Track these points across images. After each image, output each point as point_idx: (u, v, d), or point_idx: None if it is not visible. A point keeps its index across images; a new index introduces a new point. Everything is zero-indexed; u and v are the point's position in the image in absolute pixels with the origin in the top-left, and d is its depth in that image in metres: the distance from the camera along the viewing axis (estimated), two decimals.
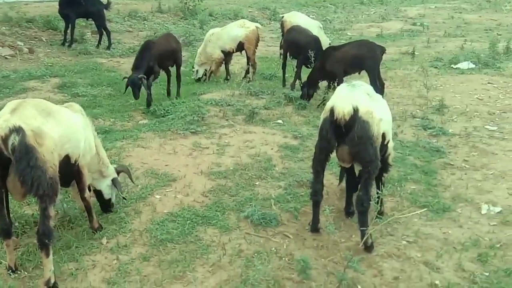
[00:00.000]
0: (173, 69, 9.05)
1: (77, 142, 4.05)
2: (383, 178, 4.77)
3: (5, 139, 3.39)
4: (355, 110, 4.00)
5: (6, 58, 10.95)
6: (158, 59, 8.37)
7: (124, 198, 5.03)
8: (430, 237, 4.59)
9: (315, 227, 4.66)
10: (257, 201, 5.18)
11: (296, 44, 9.19)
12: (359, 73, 8.57)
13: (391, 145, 4.65)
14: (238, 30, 10.08)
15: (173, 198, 5.19)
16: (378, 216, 4.59)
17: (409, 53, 12.94)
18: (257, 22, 19.17)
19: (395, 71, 11.16)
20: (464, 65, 11.41)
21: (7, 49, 11.30)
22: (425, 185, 5.62)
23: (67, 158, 3.92)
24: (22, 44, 11.88)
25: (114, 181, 4.76)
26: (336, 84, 7.85)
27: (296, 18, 11.68)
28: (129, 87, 7.96)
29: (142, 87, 8.00)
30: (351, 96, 4.16)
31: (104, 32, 13.03)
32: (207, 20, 17.36)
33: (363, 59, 8.11)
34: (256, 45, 10.25)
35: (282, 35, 12.28)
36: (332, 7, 25.91)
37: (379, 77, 8.23)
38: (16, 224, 4.46)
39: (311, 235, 4.63)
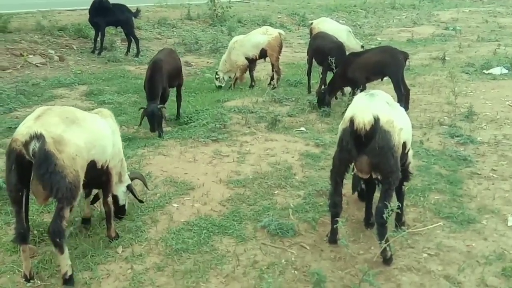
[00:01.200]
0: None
1: (103, 148, 4.15)
2: (403, 187, 4.64)
3: (26, 145, 3.51)
4: (376, 120, 3.87)
5: (37, 66, 11.21)
6: (168, 79, 7.83)
7: (140, 201, 5.04)
8: (453, 250, 4.42)
9: (333, 239, 4.55)
10: (275, 211, 5.10)
11: (321, 51, 9.10)
12: (381, 80, 8.43)
13: (410, 153, 4.53)
14: (261, 37, 10.07)
15: (191, 207, 5.17)
16: (399, 227, 4.51)
17: (440, 58, 12.67)
18: (285, 28, 19.31)
19: (424, 76, 10.93)
20: (496, 70, 11.09)
21: (38, 57, 11.57)
22: (450, 195, 5.44)
23: (93, 163, 4.03)
24: (53, 52, 12.14)
25: (129, 187, 4.81)
26: (359, 91, 7.70)
27: (325, 24, 11.61)
28: (144, 118, 7.30)
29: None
30: (371, 105, 4.05)
31: (133, 40, 13.22)
32: (235, 26, 17.41)
33: (386, 66, 7.99)
34: (279, 52, 10.22)
35: None
36: (362, 12, 25.65)
37: (404, 84, 8.07)
38: (35, 232, 4.51)
39: (329, 246, 4.53)
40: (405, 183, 4.67)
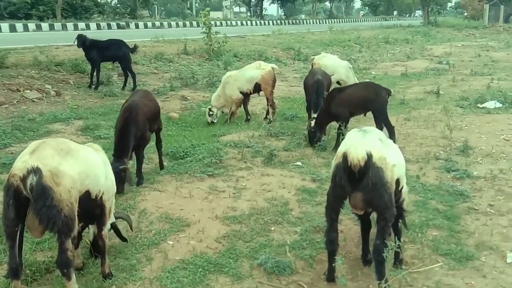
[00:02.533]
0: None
1: (97, 178, 4.15)
2: (398, 224, 4.59)
3: (24, 180, 3.53)
4: (369, 156, 3.88)
5: (33, 101, 11.24)
6: (149, 124, 6.83)
7: (125, 239, 4.95)
8: None
9: (331, 277, 4.47)
10: (271, 248, 5.03)
11: (304, 87, 9.38)
12: (364, 115, 8.52)
13: (405, 190, 4.50)
14: (254, 71, 10.18)
15: (186, 244, 5.10)
16: (398, 265, 4.45)
17: (434, 92, 12.80)
18: (281, 62, 19.57)
19: (419, 111, 11.01)
20: (490, 104, 11.21)
21: (35, 92, 11.60)
22: (448, 231, 5.38)
23: (87, 193, 4.03)
24: (50, 87, 12.19)
25: (112, 225, 4.75)
26: (343, 126, 7.79)
27: (325, 60, 11.79)
28: None
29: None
30: (363, 141, 4.04)
31: (130, 75, 13.33)
32: (231, 61, 17.62)
33: (369, 101, 8.14)
34: (273, 86, 10.31)
35: None
36: (357, 47, 26.10)
37: (387, 120, 8.16)
38: (27, 271, 4.42)
39: (327, 285, 4.45)
40: (400, 221, 4.63)
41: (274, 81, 10.35)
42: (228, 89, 10.19)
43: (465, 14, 56.64)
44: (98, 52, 12.77)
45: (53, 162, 3.67)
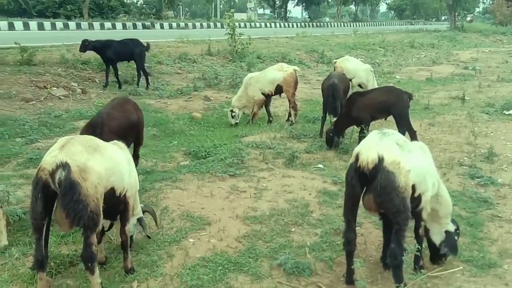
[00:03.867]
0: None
1: (122, 175, 4.24)
2: (420, 231, 4.55)
3: (53, 174, 3.64)
4: (380, 159, 3.90)
5: (60, 98, 11.46)
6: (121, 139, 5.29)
7: (148, 236, 5.02)
8: None
9: (350, 279, 4.47)
10: (291, 249, 5.05)
11: (322, 90, 9.37)
12: (385, 119, 8.47)
13: (426, 199, 4.37)
14: (276, 73, 10.21)
15: (207, 242, 5.14)
16: (418, 270, 4.42)
17: (459, 98, 12.62)
18: (304, 64, 19.56)
19: (444, 116, 10.88)
20: None
21: (62, 90, 11.83)
22: (470, 238, 5.32)
23: (112, 190, 4.12)
24: (76, 85, 12.41)
25: (140, 220, 4.84)
26: (365, 130, 7.83)
27: (347, 63, 11.78)
28: None
29: None
30: (378, 144, 4.06)
31: (142, 74, 13.43)
32: (254, 62, 17.65)
33: (390, 106, 8.12)
34: (295, 88, 10.34)
35: None
36: (381, 50, 25.90)
37: (409, 125, 8.10)
38: (51, 264, 4.51)
39: (346, 287, 4.44)
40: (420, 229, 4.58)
41: (296, 83, 10.38)
42: (250, 90, 10.24)
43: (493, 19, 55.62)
44: (116, 51, 12.86)
45: (81, 158, 3.77)
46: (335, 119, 8.66)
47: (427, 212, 4.47)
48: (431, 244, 4.80)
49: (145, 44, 13.40)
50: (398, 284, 3.95)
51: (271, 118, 10.66)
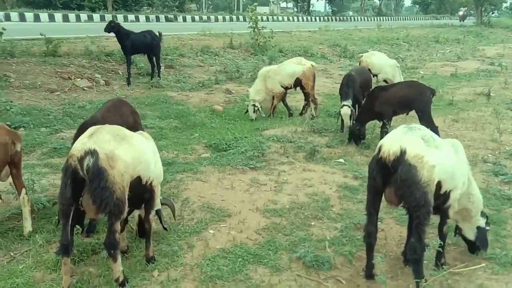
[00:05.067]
0: None
1: (148, 165, 4.32)
2: (444, 228, 4.50)
3: (81, 160, 3.73)
4: (402, 152, 3.88)
5: (84, 89, 11.61)
6: None
7: (165, 228, 5.06)
8: None
9: (369, 273, 4.45)
10: (311, 242, 5.04)
11: None
12: (407, 114, 8.39)
13: (454, 197, 4.31)
14: (296, 66, 10.26)
15: (227, 234, 5.17)
16: (440, 266, 4.38)
17: (485, 94, 12.43)
18: (326, 59, 19.48)
19: (468, 112, 10.73)
20: None
21: (85, 81, 11.99)
22: (493, 235, 5.24)
23: (138, 179, 4.20)
24: (100, 77, 12.56)
25: (157, 212, 4.88)
26: (388, 125, 7.89)
27: (372, 58, 11.75)
28: None
29: None
30: (402, 137, 4.03)
31: (156, 65, 13.29)
32: (276, 56, 17.62)
33: (413, 101, 8.06)
34: (314, 81, 10.36)
35: None
36: (405, 45, 25.61)
37: (431, 120, 7.99)
38: (74, 251, 4.59)
39: (366, 281, 4.42)
40: (444, 227, 4.53)
41: (314, 77, 10.44)
42: (269, 83, 10.25)
43: None
44: (132, 43, 12.68)
45: (109, 146, 3.85)
46: (344, 102, 8.71)
47: (454, 210, 4.42)
48: (466, 240, 4.83)
49: (158, 35, 13.23)
50: (418, 279, 3.92)
51: (291, 111, 10.68)
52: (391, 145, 3.96)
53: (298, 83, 10.27)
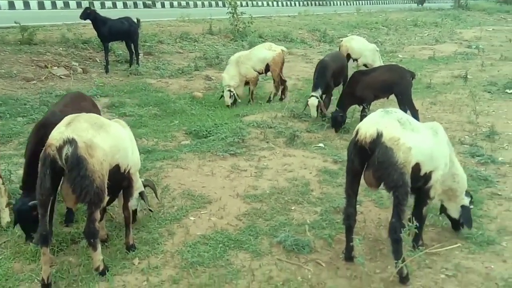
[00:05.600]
0: None
1: (126, 153, 4.33)
2: (424, 209, 4.58)
3: (60, 150, 3.72)
4: (379, 135, 3.97)
5: (61, 77, 11.43)
6: None
7: (150, 210, 5.09)
8: (471, 272, 4.35)
9: (349, 255, 4.52)
10: (291, 227, 5.09)
11: None
12: (387, 98, 8.46)
13: (435, 178, 4.39)
14: (267, 52, 10.35)
15: (207, 220, 5.19)
16: (416, 247, 4.46)
17: (462, 77, 12.54)
18: (306, 44, 19.45)
19: (446, 95, 10.85)
20: None
21: (63, 69, 11.80)
22: None
23: (117, 167, 4.20)
24: (77, 65, 12.35)
25: (141, 194, 4.89)
26: (367, 109, 8.02)
27: (352, 43, 11.80)
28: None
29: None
30: (379, 121, 4.11)
31: (134, 52, 13.07)
32: (256, 42, 17.43)
33: (394, 84, 8.14)
34: (281, 68, 10.48)
35: None
36: (384, 29, 25.67)
37: (411, 103, 8.11)
38: (54, 241, 4.56)
39: (345, 264, 4.49)
40: (424, 207, 4.61)
41: (283, 63, 10.57)
42: (243, 69, 10.26)
43: None
44: (109, 30, 12.27)
45: (88, 134, 3.84)
46: (313, 92, 8.72)
47: (436, 191, 4.51)
48: (450, 218, 4.95)
49: (136, 21, 12.96)
50: (396, 259, 4.00)
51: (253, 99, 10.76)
52: (368, 128, 4.04)
53: (267, 69, 10.37)
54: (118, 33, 12.54)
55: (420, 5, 44.92)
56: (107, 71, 12.50)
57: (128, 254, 4.51)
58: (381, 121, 4.11)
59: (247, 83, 10.55)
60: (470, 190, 5.89)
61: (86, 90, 10.50)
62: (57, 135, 3.77)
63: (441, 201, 4.94)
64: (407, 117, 4.33)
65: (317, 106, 8.69)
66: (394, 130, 4.03)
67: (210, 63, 14.37)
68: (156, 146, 7.52)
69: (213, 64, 14.31)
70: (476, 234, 4.94)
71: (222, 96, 10.38)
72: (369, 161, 4.04)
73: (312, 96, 8.68)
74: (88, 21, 12.49)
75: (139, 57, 13.39)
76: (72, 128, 3.81)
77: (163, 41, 15.95)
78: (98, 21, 12.28)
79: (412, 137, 4.08)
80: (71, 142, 3.70)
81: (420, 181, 4.30)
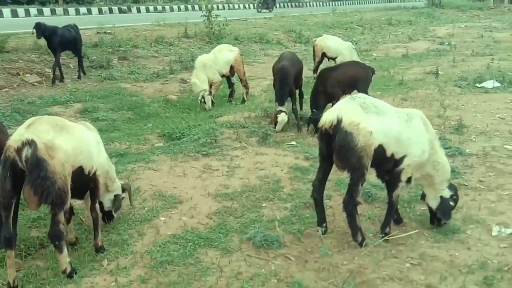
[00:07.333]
0: None
1: (90, 154, 4.32)
2: (393, 196, 4.74)
3: (19, 151, 3.69)
4: (338, 121, 4.25)
5: (33, 84, 11.36)
6: None
7: (112, 214, 5.07)
8: (436, 260, 4.44)
9: (320, 224, 4.80)
10: (261, 223, 5.13)
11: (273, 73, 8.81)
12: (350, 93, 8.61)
13: (407, 162, 4.58)
14: (229, 54, 10.42)
15: (178, 220, 5.21)
16: (382, 237, 4.56)
17: (433, 73, 12.73)
18: (282, 45, 19.56)
19: (417, 91, 11.00)
20: (489, 84, 11.17)
21: (35, 76, 11.72)
22: None
23: (80, 169, 4.18)
24: (50, 71, 12.26)
25: (116, 197, 4.91)
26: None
27: (327, 42, 11.91)
28: None
29: None
30: (341, 107, 4.40)
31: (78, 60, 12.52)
32: (232, 44, 17.50)
33: (359, 80, 8.36)
34: (243, 66, 10.67)
35: (314, 59, 12.37)
36: (359, 29, 25.97)
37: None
38: (21, 246, 4.55)
39: (313, 257, 4.55)
40: (393, 194, 4.73)
41: (243, 62, 10.77)
42: (211, 73, 10.23)
43: None
44: (60, 39, 11.66)
45: (48, 136, 3.82)
46: (280, 107, 8.22)
47: (407, 175, 4.67)
48: (429, 207, 5.04)
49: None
50: (352, 228, 4.52)
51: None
52: (329, 115, 4.34)
53: (232, 70, 10.41)
54: (68, 42, 11.96)
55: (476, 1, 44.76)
56: (79, 77, 12.36)
57: (97, 256, 4.51)
58: (343, 107, 4.40)
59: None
60: None
61: (59, 96, 10.55)
62: (16, 137, 3.76)
63: (421, 186, 5.06)
64: (373, 101, 4.48)
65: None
66: (354, 115, 4.28)
67: (186, 66, 14.37)
68: (129, 150, 7.51)
69: (188, 67, 14.25)
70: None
71: (202, 101, 9.97)
72: (333, 146, 4.32)
73: (282, 112, 8.19)
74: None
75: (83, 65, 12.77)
76: (32, 130, 3.79)
77: (138, 45, 15.92)
78: (49, 31, 11.64)
79: (375, 120, 4.32)
80: (31, 143, 3.68)
81: (388, 163, 4.54)
